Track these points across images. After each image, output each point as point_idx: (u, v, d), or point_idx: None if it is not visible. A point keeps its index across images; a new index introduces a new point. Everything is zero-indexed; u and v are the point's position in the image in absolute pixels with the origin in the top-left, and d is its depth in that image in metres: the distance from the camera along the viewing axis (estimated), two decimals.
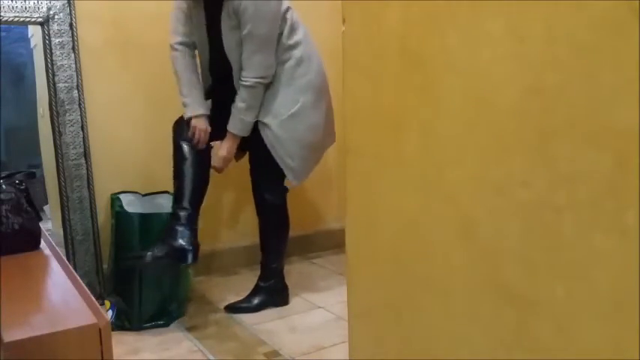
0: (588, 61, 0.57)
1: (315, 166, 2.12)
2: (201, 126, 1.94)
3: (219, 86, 2.03)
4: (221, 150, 1.99)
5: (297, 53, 1.96)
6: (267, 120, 1.95)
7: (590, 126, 0.57)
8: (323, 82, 2.05)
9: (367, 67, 0.89)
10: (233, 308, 2.07)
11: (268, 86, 1.95)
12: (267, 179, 2.06)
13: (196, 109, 1.95)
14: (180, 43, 1.99)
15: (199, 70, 2.05)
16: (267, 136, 1.96)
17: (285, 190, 2.11)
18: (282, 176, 2.05)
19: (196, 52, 2.04)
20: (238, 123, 1.94)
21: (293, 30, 1.97)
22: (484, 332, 0.73)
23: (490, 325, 0.72)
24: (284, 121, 1.95)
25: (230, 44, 1.91)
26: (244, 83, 1.90)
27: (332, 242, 2.58)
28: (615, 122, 0.55)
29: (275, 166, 1.99)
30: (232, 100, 1.95)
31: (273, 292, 2.11)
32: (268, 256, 2.13)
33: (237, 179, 2.48)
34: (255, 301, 2.09)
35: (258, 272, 2.13)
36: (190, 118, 1.95)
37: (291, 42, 1.96)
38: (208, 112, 1.98)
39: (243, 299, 2.11)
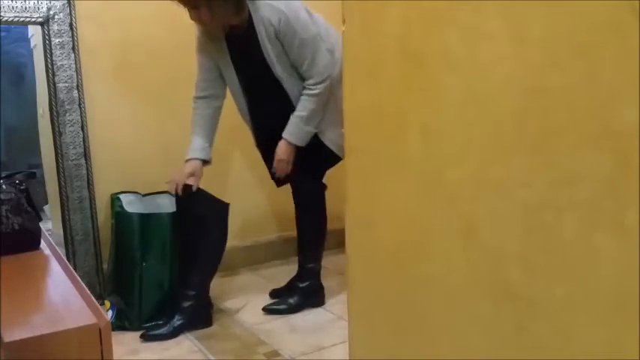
0: (588, 61, 0.57)
1: None
2: (184, 169, 1.97)
3: (258, 116, 2.05)
4: (278, 154, 1.96)
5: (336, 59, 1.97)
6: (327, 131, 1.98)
7: (590, 126, 0.57)
8: None
9: (367, 67, 0.89)
10: (270, 310, 2.07)
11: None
12: (310, 176, 2.08)
13: (189, 153, 2.00)
14: (198, 97, 2.04)
15: (214, 119, 2.07)
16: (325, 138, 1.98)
17: (324, 187, 2.13)
18: (322, 173, 2.08)
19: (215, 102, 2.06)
20: (299, 132, 1.93)
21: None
22: (484, 332, 0.73)
23: (490, 325, 0.72)
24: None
25: (283, 70, 1.90)
26: (311, 92, 1.89)
27: (332, 242, 2.57)
28: (615, 122, 0.55)
29: (318, 163, 2.02)
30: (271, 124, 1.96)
31: (309, 292, 2.11)
32: (305, 256, 2.13)
33: (237, 179, 2.48)
34: (292, 301, 2.08)
35: (258, 272, 2.13)
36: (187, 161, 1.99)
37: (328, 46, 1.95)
38: (202, 156, 1.99)
39: (280, 300, 2.10)
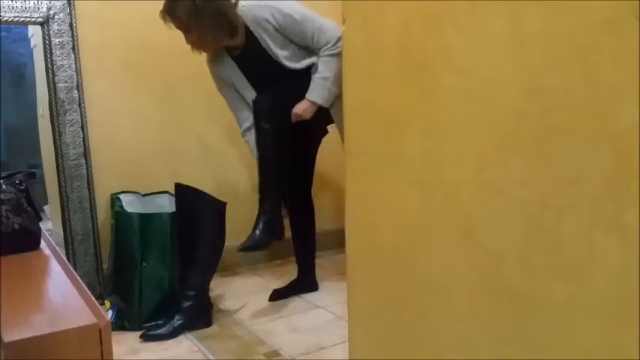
0: (588, 61, 0.57)
1: None
2: None
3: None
4: (297, 108, 1.91)
5: None
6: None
7: (591, 126, 0.57)
8: None
9: (367, 67, 0.89)
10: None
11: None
12: (312, 180, 2.15)
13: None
14: (245, 130, 2.03)
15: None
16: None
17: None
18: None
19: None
20: (325, 92, 1.88)
21: None
22: (484, 332, 0.73)
23: (490, 325, 0.72)
24: None
25: (292, 58, 1.92)
26: (333, 51, 1.87)
27: (332, 242, 2.57)
28: (615, 122, 0.55)
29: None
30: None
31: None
32: (312, 253, 2.23)
33: (237, 179, 2.48)
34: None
35: (258, 272, 2.13)
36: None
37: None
38: None
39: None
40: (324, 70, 1.89)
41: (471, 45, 0.70)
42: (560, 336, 0.63)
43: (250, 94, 1.99)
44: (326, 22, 1.90)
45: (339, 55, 1.86)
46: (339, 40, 1.87)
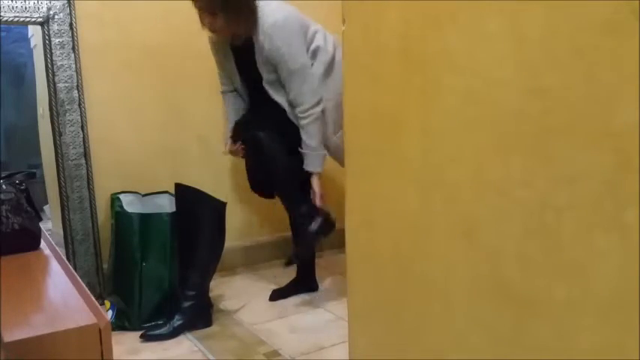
0: (588, 61, 0.57)
1: None
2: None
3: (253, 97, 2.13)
4: (315, 189, 2.03)
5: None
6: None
7: (590, 126, 0.57)
8: None
9: (367, 67, 0.89)
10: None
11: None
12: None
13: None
14: (225, 92, 2.18)
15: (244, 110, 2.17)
16: (328, 148, 2.04)
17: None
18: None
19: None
20: (317, 160, 1.99)
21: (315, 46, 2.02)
22: (484, 332, 0.73)
23: (490, 325, 0.72)
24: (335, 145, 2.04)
25: (271, 83, 1.97)
26: (309, 117, 1.94)
27: (332, 242, 2.57)
28: (615, 122, 0.55)
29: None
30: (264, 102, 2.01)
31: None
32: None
33: (237, 179, 2.48)
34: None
35: (258, 272, 2.13)
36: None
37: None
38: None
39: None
40: (308, 140, 1.96)
41: (471, 45, 0.70)
42: (560, 336, 0.63)
43: (235, 77, 2.07)
44: (312, 81, 1.94)
45: (318, 119, 1.95)
46: (317, 102, 1.94)
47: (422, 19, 0.77)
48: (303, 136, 1.96)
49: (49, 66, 2.07)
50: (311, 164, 1.99)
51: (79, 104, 2.11)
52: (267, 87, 1.97)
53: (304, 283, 2.22)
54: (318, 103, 1.94)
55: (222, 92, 2.19)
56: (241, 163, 2.19)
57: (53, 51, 2.06)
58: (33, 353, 0.78)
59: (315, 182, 2.02)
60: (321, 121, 1.96)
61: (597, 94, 0.56)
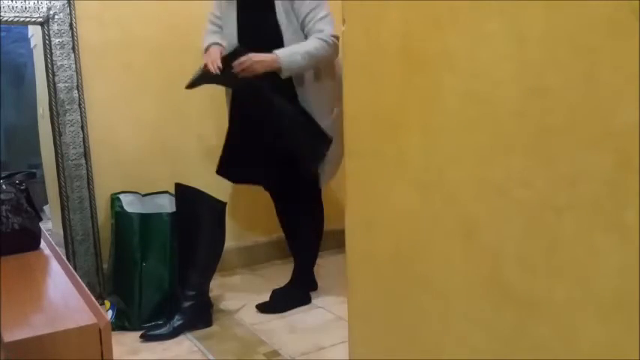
0: (588, 61, 0.57)
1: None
2: (213, 50, 1.96)
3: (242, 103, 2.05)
4: (254, 55, 1.85)
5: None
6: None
7: (590, 126, 0.57)
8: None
9: (367, 67, 0.89)
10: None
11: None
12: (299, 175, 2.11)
13: (209, 45, 2.01)
14: (212, 22, 2.07)
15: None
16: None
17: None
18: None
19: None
20: (292, 56, 1.84)
21: None
22: (484, 332, 0.73)
23: (490, 325, 0.72)
24: (328, 127, 1.98)
25: (293, 33, 1.91)
26: (325, 38, 1.85)
27: (332, 242, 2.57)
28: (615, 122, 0.55)
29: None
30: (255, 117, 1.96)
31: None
32: (307, 252, 2.23)
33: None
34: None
35: (258, 272, 2.13)
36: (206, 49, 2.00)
37: None
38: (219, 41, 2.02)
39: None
40: (306, 43, 1.87)
41: (471, 45, 0.70)
42: (560, 336, 0.63)
43: (231, 32, 1.99)
44: (331, 17, 1.88)
45: (328, 44, 1.86)
46: (333, 35, 1.87)
47: (422, 19, 0.77)
48: (309, 40, 1.87)
49: (49, 66, 2.07)
50: (284, 52, 1.84)
51: (79, 104, 2.11)
52: (287, 39, 1.90)
53: (303, 283, 2.21)
54: (336, 38, 1.86)
55: (211, 23, 2.08)
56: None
57: (53, 51, 2.06)
58: (33, 353, 0.78)
59: (263, 55, 1.84)
60: (328, 50, 1.86)
61: (597, 94, 0.56)
